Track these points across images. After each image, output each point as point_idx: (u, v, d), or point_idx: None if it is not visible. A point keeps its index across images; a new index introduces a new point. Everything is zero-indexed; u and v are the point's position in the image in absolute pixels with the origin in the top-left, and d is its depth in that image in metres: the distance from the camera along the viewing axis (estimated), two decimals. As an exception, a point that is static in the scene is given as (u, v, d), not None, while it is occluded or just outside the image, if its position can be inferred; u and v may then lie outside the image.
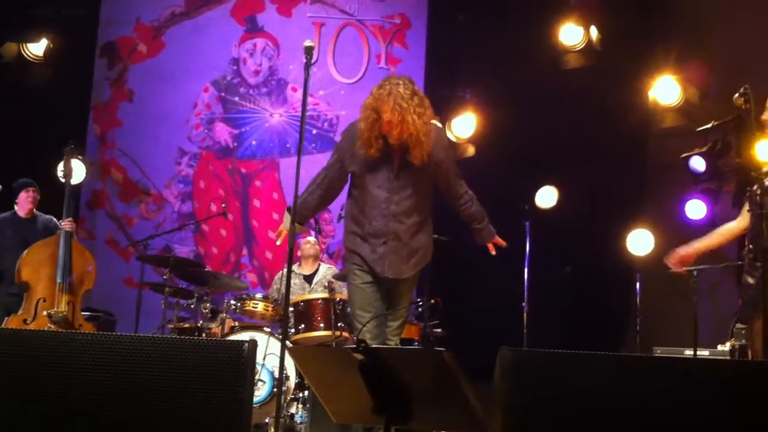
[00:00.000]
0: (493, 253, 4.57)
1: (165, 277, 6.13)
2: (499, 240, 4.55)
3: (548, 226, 7.25)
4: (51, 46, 7.71)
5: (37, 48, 7.70)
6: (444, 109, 8.05)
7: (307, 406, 5.38)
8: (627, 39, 7.45)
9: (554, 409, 2.75)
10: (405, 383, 2.76)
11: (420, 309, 6.59)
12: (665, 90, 7.08)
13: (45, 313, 5.39)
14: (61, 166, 6.19)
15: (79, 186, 7.65)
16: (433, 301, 6.58)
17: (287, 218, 4.29)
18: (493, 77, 7.83)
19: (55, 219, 6.19)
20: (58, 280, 5.45)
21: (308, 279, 6.66)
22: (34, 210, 6.25)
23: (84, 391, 2.86)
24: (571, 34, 7.40)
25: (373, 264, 4.24)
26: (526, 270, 6.89)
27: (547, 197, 7.46)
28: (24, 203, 6.16)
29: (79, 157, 7.22)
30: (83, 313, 6.13)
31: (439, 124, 4.75)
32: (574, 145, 7.58)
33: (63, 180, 6.10)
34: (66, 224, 5.79)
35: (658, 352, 5.81)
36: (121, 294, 7.86)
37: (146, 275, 6.74)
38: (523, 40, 7.58)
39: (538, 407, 2.76)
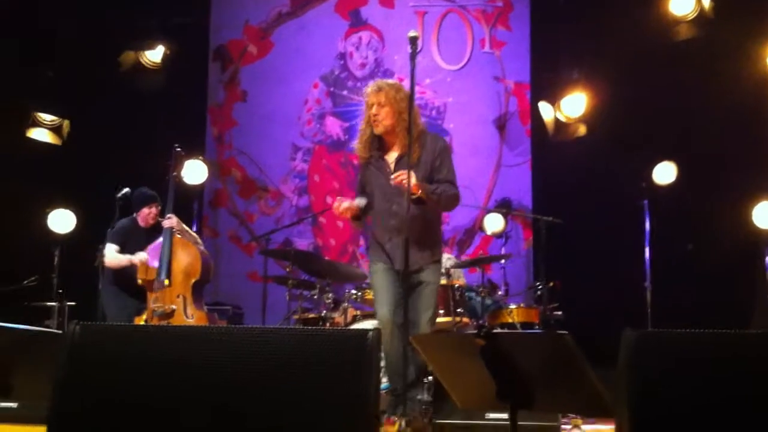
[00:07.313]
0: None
1: (287, 269, 6.32)
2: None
3: (668, 203, 7.08)
4: (167, 52, 8.01)
5: (154, 55, 8.01)
6: (552, 90, 7.96)
7: (431, 391, 5.45)
8: (741, 5, 7.16)
9: (682, 391, 2.65)
10: (527, 368, 2.77)
11: (539, 293, 6.57)
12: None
13: (152, 309, 5.65)
14: (186, 167, 6.43)
15: (201, 186, 7.98)
16: (551, 284, 6.54)
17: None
18: (600, 54, 7.66)
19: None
20: (161, 277, 5.70)
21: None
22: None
23: (208, 384, 2.91)
24: (682, 3, 7.16)
25: (390, 257, 4.50)
26: (647, 249, 6.76)
27: (665, 173, 7.28)
28: (146, 217, 6.20)
29: (200, 157, 7.53)
30: (213, 306, 6.36)
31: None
32: (690, 118, 7.35)
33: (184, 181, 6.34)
34: (166, 221, 5.95)
35: (790, 329, 5.60)
36: (247, 288, 8.15)
37: (269, 269, 6.91)
38: (630, 13, 7.38)
39: (665, 389, 2.66)
